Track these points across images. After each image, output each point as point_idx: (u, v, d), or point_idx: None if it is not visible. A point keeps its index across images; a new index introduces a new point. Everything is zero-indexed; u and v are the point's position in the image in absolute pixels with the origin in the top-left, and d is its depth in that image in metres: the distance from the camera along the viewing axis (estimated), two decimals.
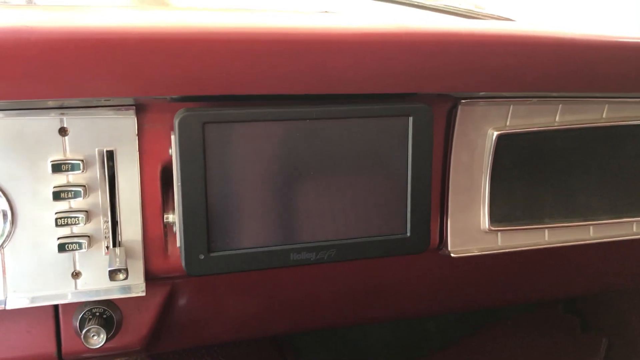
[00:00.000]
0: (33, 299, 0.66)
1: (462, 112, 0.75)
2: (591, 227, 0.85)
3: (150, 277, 0.71)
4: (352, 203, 0.69)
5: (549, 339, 1.52)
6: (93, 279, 0.68)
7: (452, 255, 0.79)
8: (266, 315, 0.87)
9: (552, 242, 0.83)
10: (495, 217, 0.80)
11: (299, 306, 0.88)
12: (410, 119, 0.68)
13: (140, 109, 0.65)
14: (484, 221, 0.79)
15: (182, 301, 0.79)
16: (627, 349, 1.40)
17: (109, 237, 0.67)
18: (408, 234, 0.70)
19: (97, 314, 0.73)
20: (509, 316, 1.56)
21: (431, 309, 0.98)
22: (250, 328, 0.88)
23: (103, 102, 0.64)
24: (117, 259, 0.65)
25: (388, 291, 0.90)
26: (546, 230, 0.83)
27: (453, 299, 0.96)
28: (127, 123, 0.65)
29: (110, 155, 0.65)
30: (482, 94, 0.74)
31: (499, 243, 0.81)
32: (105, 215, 0.67)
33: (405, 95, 0.71)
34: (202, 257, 0.64)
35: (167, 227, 0.70)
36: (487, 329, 1.54)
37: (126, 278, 0.65)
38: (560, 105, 0.79)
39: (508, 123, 0.77)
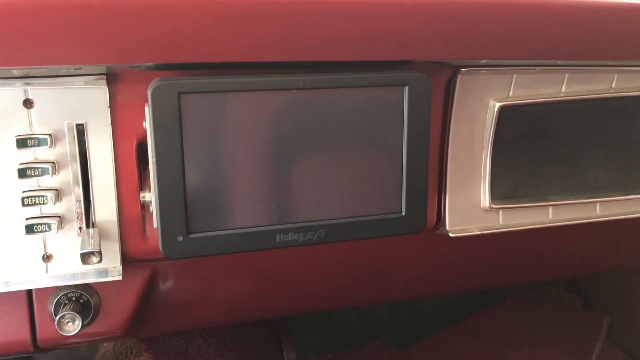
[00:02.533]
0: (1, 284, 0.62)
1: (461, 82, 0.70)
2: (598, 205, 0.81)
3: (128, 260, 0.67)
4: (343, 180, 0.65)
5: (550, 318, 1.50)
6: (66, 262, 0.64)
7: (450, 235, 0.75)
8: (257, 297, 0.83)
9: (557, 221, 0.79)
10: (497, 195, 0.75)
11: (290, 288, 0.84)
12: (406, 88, 0.63)
13: (112, 79, 0.61)
14: (485, 199, 0.75)
15: (165, 284, 0.76)
16: (629, 328, 1.39)
17: (81, 217, 0.63)
18: (403, 213, 0.66)
19: (74, 298, 0.69)
20: (509, 295, 1.54)
21: (429, 290, 0.94)
22: (240, 311, 0.84)
23: (72, 71, 0.59)
24: (91, 241, 0.61)
25: (384, 272, 0.86)
26: (550, 208, 0.79)
27: (451, 280, 0.92)
28: (98, 94, 0.60)
29: (81, 129, 0.61)
30: (483, 62, 0.69)
31: (500, 222, 0.77)
32: (76, 193, 0.63)
33: (400, 63, 0.66)
34: (180, 238, 0.60)
35: (145, 206, 0.65)
36: (486, 308, 1.52)
37: (100, 261, 0.60)
38: (567, 75, 0.74)
39: (511, 94, 0.72)
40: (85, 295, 0.70)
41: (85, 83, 0.60)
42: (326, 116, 0.62)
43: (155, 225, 0.61)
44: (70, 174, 0.62)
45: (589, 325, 1.45)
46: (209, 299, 0.80)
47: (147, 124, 0.59)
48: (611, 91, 0.76)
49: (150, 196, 0.63)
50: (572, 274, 1.17)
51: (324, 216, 0.64)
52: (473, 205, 0.75)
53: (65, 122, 0.60)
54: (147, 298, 0.74)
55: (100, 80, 0.60)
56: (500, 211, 0.76)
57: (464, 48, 0.66)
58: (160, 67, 0.60)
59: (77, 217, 0.63)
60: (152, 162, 0.58)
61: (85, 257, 0.60)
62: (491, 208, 0.75)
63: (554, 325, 1.48)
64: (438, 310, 1.53)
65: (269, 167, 0.62)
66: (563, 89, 0.74)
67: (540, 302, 1.54)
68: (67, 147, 0.61)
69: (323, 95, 0.61)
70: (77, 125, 0.60)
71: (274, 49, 0.59)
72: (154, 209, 0.61)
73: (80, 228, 0.63)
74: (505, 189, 0.75)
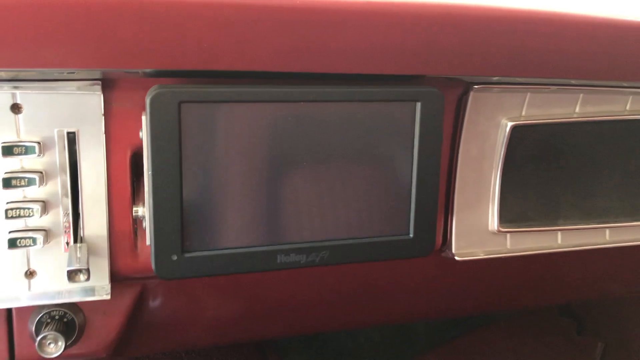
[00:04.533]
0: None
1: (473, 99, 0.67)
2: (607, 230, 0.78)
3: (117, 278, 0.63)
4: (349, 199, 0.61)
5: (543, 341, 1.47)
6: (50, 279, 0.60)
7: (456, 258, 0.71)
8: (249, 319, 0.79)
9: (565, 246, 0.76)
10: (505, 218, 0.72)
11: (285, 309, 0.81)
12: (418, 104, 0.60)
13: (107, 85, 0.57)
14: (493, 221, 0.72)
15: (154, 303, 0.72)
16: (624, 354, 1.36)
17: (69, 231, 0.59)
18: (411, 235, 0.63)
19: (57, 317, 0.65)
20: (502, 317, 1.51)
21: (428, 314, 0.91)
22: (231, 333, 0.81)
23: (64, 75, 0.55)
24: (78, 257, 0.57)
25: (383, 294, 0.83)
26: (559, 233, 0.76)
27: (452, 304, 0.88)
28: (92, 101, 0.57)
29: (72, 137, 0.57)
30: (495, 79, 0.66)
31: (508, 246, 0.74)
32: (65, 206, 0.59)
33: (409, 78, 0.63)
34: (174, 257, 0.56)
35: (137, 221, 0.62)
36: (478, 330, 1.49)
37: (88, 279, 0.57)
38: (581, 95, 0.71)
39: (524, 113, 0.69)
40: (69, 314, 0.65)
41: (78, 89, 0.56)
42: (333, 131, 0.59)
43: (148, 243, 0.58)
44: (59, 185, 0.58)
45: (582, 351, 1.42)
46: (198, 319, 0.76)
47: (144, 134, 0.55)
48: (625, 113, 0.73)
49: (143, 211, 0.59)
50: (576, 299, 1.14)
51: (327, 237, 0.61)
52: (480, 228, 0.72)
53: (56, 130, 0.56)
54: (135, 317, 0.70)
55: (95, 86, 0.56)
56: (509, 235, 0.73)
57: (478, 64, 0.63)
58: (160, 74, 0.56)
59: (65, 232, 0.59)
60: (148, 174, 0.54)
61: (72, 275, 0.56)
62: (499, 231, 0.72)
63: (547, 350, 1.44)
64: (429, 330, 1.51)
65: (271, 184, 0.58)
66: (577, 110, 0.71)
67: (533, 325, 1.51)
68: (57, 157, 0.57)
69: (331, 108, 0.58)
70: (68, 133, 0.57)
71: (281, 58, 0.56)
72: (147, 225, 0.57)
73: (67, 243, 0.60)
74: (514, 212, 0.72)
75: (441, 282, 0.83)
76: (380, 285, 0.82)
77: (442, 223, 0.72)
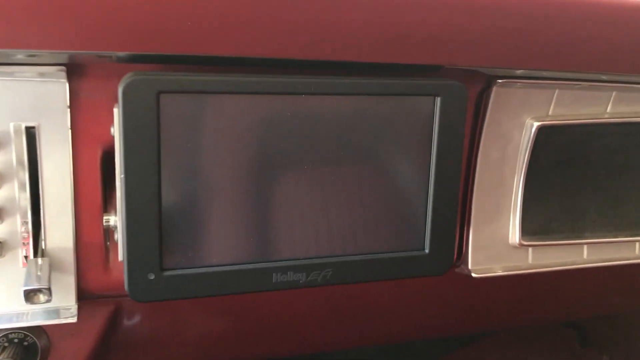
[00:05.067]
0: None
1: (496, 96, 0.59)
2: (638, 244, 0.70)
3: (86, 296, 0.56)
4: (355, 209, 0.54)
5: (545, 354, 1.43)
6: (5, 299, 0.52)
7: (473, 275, 0.64)
8: (239, 338, 0.73)
9: (592, 261, 0.69)
10: (527, 229, 0.65)
11: (278, 328, 0.74)
12: (438, 99, 0.52)
13: (74, 72, 0.50)
14: (514, 234, 0.64)
15: (130, 322, 0.65)
16: None
17: (28, 243, 0.52)
18: (426, 251, 0.55)
19: (16, 340, 0.58)
20: (502, 329, 1.46)
21: (435, 332, 0.84)
22: (218, 354, 0.74)
23: (23, 59, 0.48)
24: (38, 274, 0.49)
25: (386, 312, 0.76)
26: (585, 247, 0.68)
27: (461, 321, 0.82)
28: (56, 90, 0.49)
29: (32, 132, 0.50)
30: (520, 72, 0.59)
31: (529, 261, 0.67)
32: (23, 214, 0.51)
33: (426, 69, 0.55)
34: (151, 277, 0.48)
35: (109, 232, 0.55)
36: (477, 342, 1.44)
37: (49, 300, 0.49)
38: (614, 93, 0.64)
39: (551, 112, 0.62)
40: (30, 337, 0.58)
41: (40, 75, 0.49)
42: (338, 129, 0.51)
43: (120, 258, 0.50)
44: (15, 189, 0.51)
45: None
46: (180, 339, 0.70)
47: (116, 130, 0.48)
48: None
49: (115, 220, 0.51)
50: (595, 314, 1.08)
51: (331, 252, 0.53)
52: (500, 241, 0.65)
53: (12, 124, 0.49)
54: (108, 339, 0.63)
55: (59, 72, 0.49)
56: (531, 249, 0.66)
57: (502, 54, 0.56)
58: (136, 59, 0.49)
59: (23, 244, 0.52)
60: (121, 178, 0.47)
61: (30, 295, 0.48)
62: (521, 245, 0.64)
63: None
64: (427, 342, 1.45)
65: (266, 190, 0.51)
66: (608, 109, 0.64)
67: (534, 337, 1.48)
68: (13, 155, 0.50)
69: (335, 103, 0.51)
70: (27, 127, 0.50)
71: (279, 43, 0.49)
72: (119, 237, 0.49)
73: (26, 257, 0.52)
74: (537, 223, 0.65)
75: (451, 299, 0.76)
76: (385, 303, 0.75)
77: (458, 235, 0.65)
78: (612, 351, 1.34)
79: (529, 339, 1.45)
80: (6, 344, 0.57)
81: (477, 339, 1.43)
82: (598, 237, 0.68)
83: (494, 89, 0.59)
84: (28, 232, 0.52)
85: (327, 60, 0.51)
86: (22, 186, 0.50)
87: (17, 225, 0.51)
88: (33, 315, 0.53)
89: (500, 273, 0.66)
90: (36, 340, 0.58)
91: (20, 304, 0.52)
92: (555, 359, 1.40)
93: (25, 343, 0.58)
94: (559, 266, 0.68)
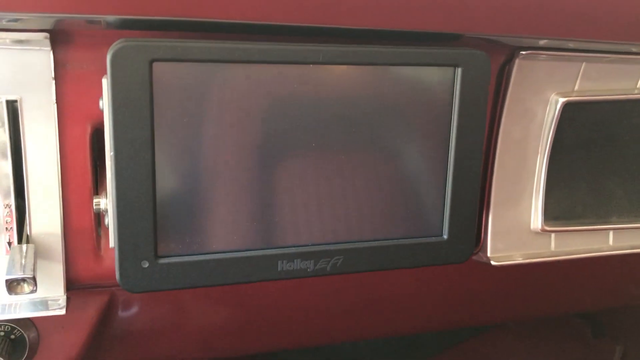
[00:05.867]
0: None
1: (519, 69, 0.55)
2: None
3: (76, 286, 0.53)
4: (368, 191, 0.50)
5: (556, 345, 1.41)
6: None
7: (492, 263, 0.59)
8: (241, 330, 0.70)
9: (618, 248, 0.65)
10: (550, 214, 0.61)
11: (284, 318, 0.71)
12: (459, 70, 0.48)
13: (60, 40, 0.46)
14: (536, 219, 0.60)
15: (125, 314, 0.62)
16: None
17: (11, 229, 0.48)
18: (445, 237, 0.51)
19: (2, 333, 0.55)
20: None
21: (447, 324, 0.80)
22: (220, 346, 0.70)
23: (2, 24, 0.44)
24: (23, 261, 0.46)
25: (398, 303, 0.73)
26: (611, 233, 0.64)
27: (476, 312, 0.79)
28: (40, 59, 0.45)
29: (14, 107, 0.46)
30: (544, 42, 0.54)
31: (552, 248, 0.63)
32: (6, 196, 0.47)
33: (443, 37, 0.51)
34: (145, 265, 0.44)
35: (100, 216, 0.51)
36: (487, 332, 1.43)
37: (34, 290, 0.46)
38: None
39: (577, 87, 0.58)
40: (18, 330, 0.55)
41: (21, 42, 0.45)
42: (349, 103, 0.47)
43: (112, 245, 0.46)
44: None
45: (599, 355, 1.35)
46: (179, 331, 0.67)
47: (105, 103, 0.43)
48: None
49: (106, 203, 0.47)
50: (612, 305, 1.04)
51: (341, 238, 0.49)
52: (520, 226, 0.61)
53: None
54: (101, 331, 0.60)
55: (43, 40, 0.45)
56: (553, 235, 0.62)
57: (527, 22, 0.51)
58: (127, 25, 0.44)
59: (6, 229, 0.48)
60: (110, 156, 0.43)
61: (12, 285, 0.45)
62: (543, 230, 0.60)
63: (561, 354, 1.38)
64: (437, 333, 1.42)
65: (270, 170, 0.47)
66: (639, 84, 0.59)
67: (545, 328, 1.46)
68: None
69: (348, 74, 0.46)
70: (9, 101, 0.46)
71: (285, 7, 0.45)
72: (110, 222, 0.45)
73: (9, 243, 0.48)
74: (560, 207, 0.61)
75: (467, 289, 0.72)
76: (394, 292, 0.72)
77: (476, 220, 0.60)
78: (625, 342, 1.32)
79: (540, 329, 1.43)
80: None
81: (486, 329, 1.41)
82: (625, 223, 0.64)
83: (517, 61, 0.55)
84: (11, 217, 0.48)
85: (337, 26, 0.47)
86: (4, 166, 0.47)
87: (0, 209, 0.47)
88: (18, 307, 0.50)
89: (520, 261, 0.62)
90: (24, 333, 0.55)
91: (6, 296, 0.48)
92: (567, 349, 1.38)
93: (12, 336, 0.55)
94: (583, 253, 0.64)
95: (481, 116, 0.49)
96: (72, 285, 0.52)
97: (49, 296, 0.50)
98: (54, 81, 0.46)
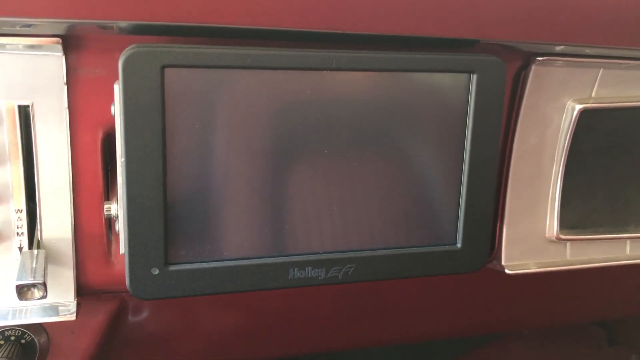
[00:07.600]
0: None
1: (535, 75, 0.54)
2: None
3: (87, 291, 0.52)
4: (381, 199, 0.49)
5: (570, 353, 1.39)
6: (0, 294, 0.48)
7: (506, 271, 0.59)
8: (250, 337, 0.69)
9: (635, 257, 0.64)
10: (566, 222, 0.60)
11: (293, 325, 0.70)
12: (474, 77, 0.47)
13: (72, 45, 0.46)
14: (552, 227, 0.59)
15: (135, 320, 0.62)
16: None
17: (23, 233, 0.48)
18: (458, 245, 0.50)
19: (12, 338, 0.55)
20: None
21: (459, 332, 0.79)
22: (229, 352, 0.70)
23: (16, 30, 0.44)
24: (33, 268, 0.45)
25: (409, 310, 0.72)
26: (628, 242, 0.63)
27: (488, 321, 0.78)
28: (52, 64, 0.45)
29: (26, 112, 0.46)
30: (561, 49, 0.53)
31: (568, 256, 0.62)
32: (17, 201, 0.47)
33: (458, 43, 0.50)
34: (155, 272, 0.44)
35: (111, 222, 0.51)
36: (500, 339, 1.41)
37: (44, 296, 0.45)
38: None
39: (594, 94, 0.57)
40: (28, 334, 0.55)
41: (34, 47, 0.45)
42: (363, 110, 0.47)
43: (122, 251, 0.45)
44: (8, 174, 0.47)
45: None
46: (189, 338, 0.67)
47: (117, 108, 0.43)
48: None
49: (117, 209, 0.47)
50: (627, 315, 1.03)
51: (353, 246, 0.49)
52: (536, 235, 0.60)
53: (3, 102, 0.45)
54: (111, 337, 0.59)
55: (55, 45, 0.44)
56: (569, 243, 0.61)
57: (543, 28, 0.51)
58: (139, 30, 0.44)
59: (17, 234, 0.48)
60: (122, 162, 0.42)
61: (23, 291, 0.45)
62: (559, 239, 0.59)
63: None
64: (449, 340, 1.40)
65: (282, 177, 0.46)
66: None
67: (559, 335, 1.43)
68: (5, 137, 0.46)
69: (361, 80, 0.46)
70: (21, 106, 0.46)
71: (299, 13, 0.44)
72: (120, 228, 0.45)
73: (20, 248, 0.48)
74: (576, 216, 0.60)
75: (480, 297, 0.71)
76: (406, 300, 0.71)
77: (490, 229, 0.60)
78: None
79: (554, 337, 1.41)
80: (2, 342, 0.54)
81: (499, 336, 1.39)
82: None
83: (533, 67, 0.54)
84: (23, 222, 0.48)
85: (350, 32, 0.46)
86: (15, 171, 0.47)
87: (11, 214, 0.47)
88: (29, 312, 0.50)
89: (535, 270, 0.61)
90: (34, 338, 0.55)
91: (16, 300, 0.48)
92: (582, 357, 1.35)
93: (23, 341, 0.55)
94: (599, 262, 0.63)
95: (496, 123, 0.48)
96: (83, 291, 0.52)
97: (59, 301, 0.50)
98: (65, 86, 0.46)
